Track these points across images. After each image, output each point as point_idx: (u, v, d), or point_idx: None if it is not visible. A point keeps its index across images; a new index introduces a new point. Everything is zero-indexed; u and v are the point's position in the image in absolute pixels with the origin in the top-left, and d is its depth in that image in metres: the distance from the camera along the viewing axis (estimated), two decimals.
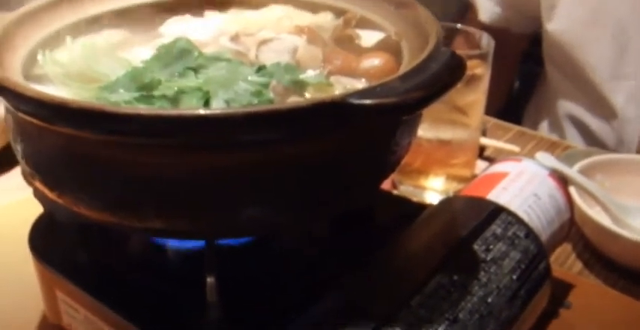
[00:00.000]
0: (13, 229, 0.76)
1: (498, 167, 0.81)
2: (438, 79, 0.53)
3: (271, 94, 0.60)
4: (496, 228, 0.68)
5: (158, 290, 0.65)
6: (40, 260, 0.69)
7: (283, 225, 0.60)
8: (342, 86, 0.64)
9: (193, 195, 0.53)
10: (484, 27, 1.47)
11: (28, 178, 0.62)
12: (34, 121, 0.53)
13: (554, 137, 1.32)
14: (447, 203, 0.74)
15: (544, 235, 0.74)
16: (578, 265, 0.89)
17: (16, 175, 1.04)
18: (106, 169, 0.53)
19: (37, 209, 0.72)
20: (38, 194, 0.68)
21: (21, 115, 0.54)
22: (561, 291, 0.81)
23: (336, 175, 0.56)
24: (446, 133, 0.95)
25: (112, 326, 0.64)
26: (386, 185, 0.81)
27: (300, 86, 0.62)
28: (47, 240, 0.71)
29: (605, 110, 1.37)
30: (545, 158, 0.84)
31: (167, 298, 0.64)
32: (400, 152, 0.61)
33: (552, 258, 0.84)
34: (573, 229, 0.85)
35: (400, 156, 0.62)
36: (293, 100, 0.60)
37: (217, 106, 0.58)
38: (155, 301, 0.64)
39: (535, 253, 0.68)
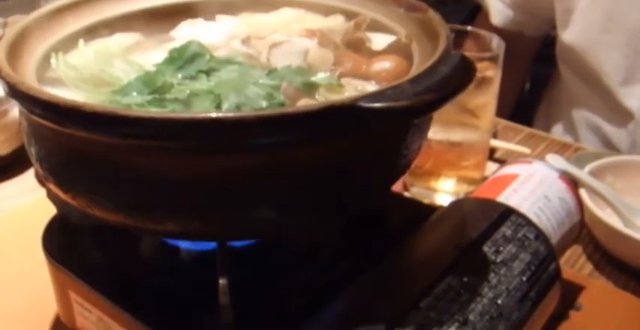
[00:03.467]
0: (27, 232, 0.77)
1: (509, 169, 0.81)
2: (448, 82, 0.53)
3: (282, 97, 0.60)
4: (506, 230, 0.68)
5: (171, 292, 0.65)
6: (54, 262, 0.69)
7: (294, 227, 0.60)
8: (352, 87, 0.64)
9: (205, 197, 0.53)
10: (495, 30, 1.46)
11: (41, 180, 0.62)
12: (48, 124, 0.53)
13: (565, 139, 1.32)
14: (457, 205, 0.74)
15: (554, 237, 0.74)
16: (589, 267, 0.89)
17: (29, 177, 1.06)
18: (119, 172, 0.54)
19: (50, 211, 0.72)
20: (52, 196, 0.69)
21: (35, 118, 0.54)
22: (571, 293, 0.81)
23: (347, 178, 0.56)
24: (456, 135, 0.95)
25: (124, 327, 0.64)
26: (397, 187, 0.81)
27: (311, 88, 0.62)
28: (60, 241, 0.71)
29: (619, 114, 1.36)
30: (556, 160, 0.84)
31: (179, 300, 0.64)
32: (411, 155, 0.61)
33: (563, 259, 0.85)
34: (584, 230, 0.85)
35: (411, 159, 0.62)
36: (304, 102, 0.60)
37: (229, 109, 0.58)
38: (168, 302, 0.64)
39: (545, 254, 0.68)
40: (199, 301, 0.63)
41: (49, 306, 0.76)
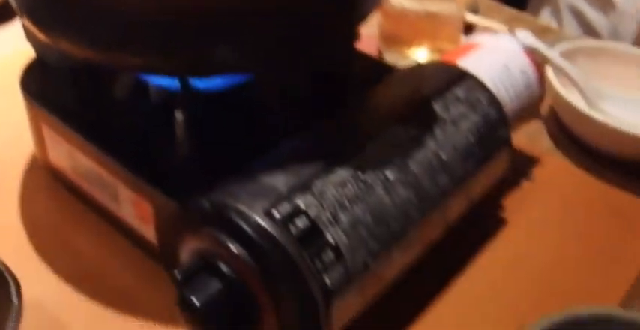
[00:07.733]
0: (10, 80, 0.79)
1: (474, 39, 0.83)
2: None
3: None
4: (459, 91, 0.69)
5: (137, 128, 0.68)
6: (30, 98, 0.72)
7: (256, 67, 0.61)
8: None
9: (167, 31, 0.55)
10: None
11: (23, 21, 0.64)
12: None
13: (551, 24, 1.32)
14: (418, 68, 0.76)
15: (509, 105, 0.76)
16: (549, 144, 0.91)
17: (16, 26, 1.07)
18: (87, 5, 0.56)
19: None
20: (30, 37, 0.71)
21: None
22: (527, 165, 0.84)
23: (309, 16, 0.58)
24: (433, 6, 0.96)
25: (92, 159, 0.67)
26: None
27: None
28: (37, 81, 0.74)
29: (603, 1, 1.36)
30: (525, 36, 0.85)
31: (143, 135, 0.68)
32: None
33: (523, 134, 0.87)
34: (549, 109, 0.87)
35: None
36: None
37: None
38: (133, 137, 0.67)
39: (496, 118, 0.70)
40: (161, 137, 0.67)
41: (26, 148, 0.81)
